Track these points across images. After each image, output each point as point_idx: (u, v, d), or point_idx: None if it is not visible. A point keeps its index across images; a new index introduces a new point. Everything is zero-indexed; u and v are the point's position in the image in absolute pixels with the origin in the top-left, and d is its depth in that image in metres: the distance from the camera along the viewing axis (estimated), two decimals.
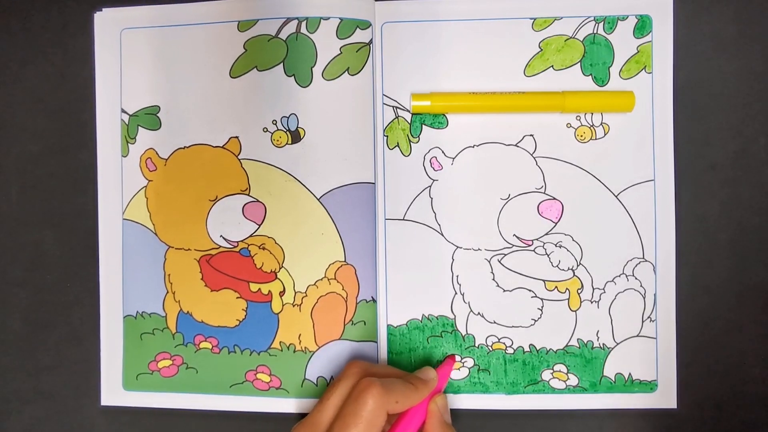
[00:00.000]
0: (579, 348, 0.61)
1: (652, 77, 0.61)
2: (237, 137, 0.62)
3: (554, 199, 0.61)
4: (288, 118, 0.61)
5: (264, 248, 0.61)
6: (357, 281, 0.61)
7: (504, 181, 0.61)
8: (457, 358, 0.61)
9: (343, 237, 0.61)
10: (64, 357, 0.64)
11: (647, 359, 0.60)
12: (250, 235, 0.61)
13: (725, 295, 0.61)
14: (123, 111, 0.63)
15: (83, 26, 0.64)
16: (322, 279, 0.61)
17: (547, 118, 0.61)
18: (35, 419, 0.64)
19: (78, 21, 0.64)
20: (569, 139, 0.61)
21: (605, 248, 0.61)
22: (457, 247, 0.61)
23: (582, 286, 0.61)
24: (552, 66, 0.61)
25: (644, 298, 0.60)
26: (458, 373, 0.61)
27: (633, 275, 0.61)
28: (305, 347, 0.61)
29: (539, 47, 0.61)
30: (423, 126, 0.61)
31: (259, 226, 0.61)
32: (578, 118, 0.61)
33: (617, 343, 0.61)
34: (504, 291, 0.61)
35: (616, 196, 0.60)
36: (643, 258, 0.60)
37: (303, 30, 0.61)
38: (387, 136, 0.61)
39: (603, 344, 0.61)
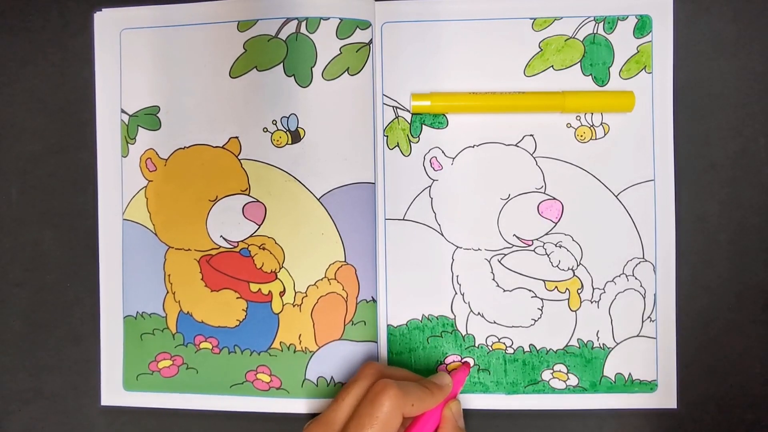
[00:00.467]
0: (579, 348, 0.61)
1: (652, 77, 0.61)
2: (237, 137, 0.62)
3: (554, 199, 0.61)
4: (288, 118, 0.61)
5: (264, 248, 0.61)
6: (357, 281, 0.61)
7: (504, 181, 0.61)
8: (458, 358, 0.61)
9: (343, 237, 0.61)
10: (64, 357, 0.64)
11: (647, 359, 0.60)
12: (250, 236, 0.61)
13: (725, 295, 0.61)
14: (123, 111, 0.63)
15: (83, 26, 0.64)
16: (322, 279, 0.61)
17: (547, 118, 0.61)
18: (35, 419, 0.64)
19: (78, 21, 0.64)
20: (569, 139, 0.61)
21: (605, 248, 0.61)
22: (457, 247, 0.61)
23: (582, 286, 0.61)
24: (552, 66, 0.61)
25: (644, 298, 0.60)
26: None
27: (633, 275, 0.61)
28: (305, 347, 0.61)
29: (539, 47, 0.61)
30: (423, 126, 0.61)
31: (259, 226, 0.61)
32: (578, 118, 0.61)
33: (617, 343, 0.61)
34: (504, 291, 0.61)
35: (616, 196, 0.60)
36: (643, 258, 0.60)
37: (303, 30, 0.61)
38: (387, 136, 0.62)
39: (603, 344, 0.61)
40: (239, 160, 0.62)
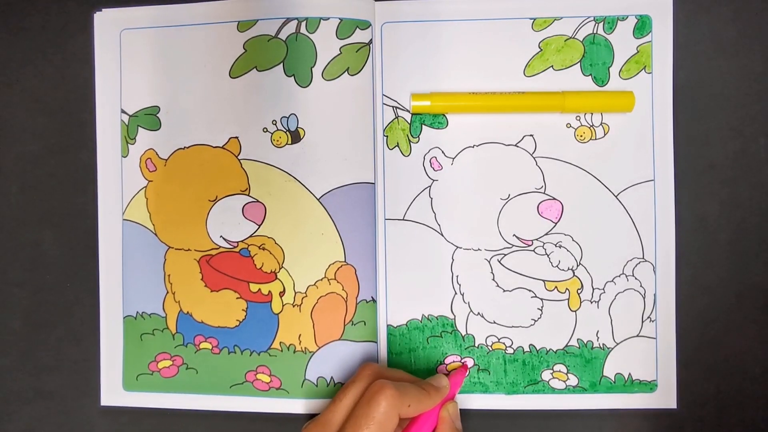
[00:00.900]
0: (579, 348, 0.61)
1: (652, 77, 0.61)
2: (237, 137, 0.62)
3: (554, 199, 0.61)
4: (288, 118, 0.61)
5: (264, 248, 0.61)
6: (357, 281, 0.61)
7: (504, 181, 0.61)
8: (457, 358, 0.61)
9: (343, 237, 0.61)
10: (64, 357, 0.64)
11: (647, 359, 0.60)
12: (250, 236, 0.61)
13: (725, 295, 0.61)
14: (123, 111, 0.63)
15: (83, 26, 0.64)
16: (322, 279, 0.61)
17: (547, 118, 0.61)
18: (35, 419, 0.64)
19: (78, 21, 0.64)
20: (569, 139, 0.61)
21: (605, 248, 0.61)
22: (457, 247, 0.61)
23: (582, 286, 0.61)
24: (552, 66, 0.61)
25: (644, 298, 0.60)
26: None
27: (633, 275, 0.61)
28: (305, 348, 0.61)
29: (539, 47, 0.61)
30: (423, 126, 0.61)
31: (259, 226, 0.61)
32: (578, 118, 0.61)
33: (617, 343, 0.61)
34: (504, 291, 0.61)
35: (616, 196, 0.60)
36: (643, 258, 0.60)
37: (303, 30, 0.61)
38: (387, 136, 0.61)
39: (603, 344, 0.61)
40: (239, 160, 0.62)
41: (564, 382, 0.61)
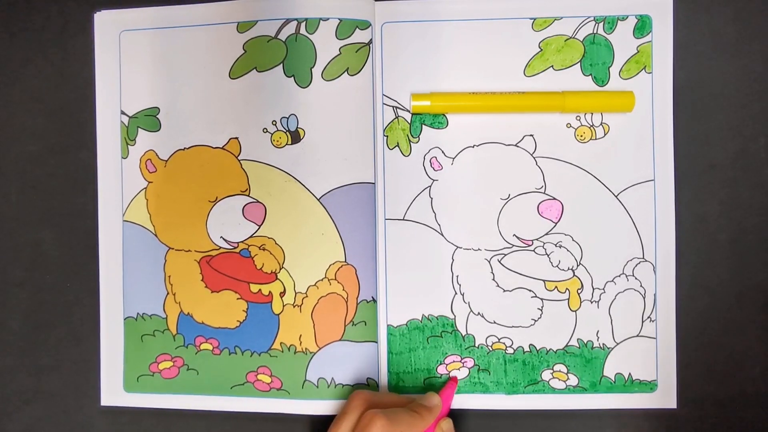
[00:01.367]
0: (579, 348, 0.61)
1: (652, 77, 0.61)
2: (237, 138, 0.62)
3: (554, 199, 0.61)
4: (288, 118, 0.61)
5: (264, 249, 0.61)
6: (357, 281, 0.61)
7: (504, 181, 0.61)
8: (457, 358, 0.61)
9: (344, 237, 0.61)
10: (64, 357, 0.64)
11: (647, 359, 0.60)
12: (251, 236, 0.61)
13: (725, 295, 0.61)
14: (122, 113, 0.63)
15: (83, 26, 0.64)
16: (322, 279, 0.61)
17: (547, 118, 0.61)
18: (35, 419, 0.64)
19: (78, 21, 0.64)
20: (569, 139, 0.61)
21: (605, 248, 0.61)
22: (457, 247, 0.61)
23: (582, 286, 0.61)
24: (552, 66, 0.61)
25: (644, 298, 0.60)
26: (458, 373, 0.61)
27: (633, 275, 0.61)
28: (306, 348, 0.61)
29: (539, 47, 0.61)
30: (423, 126, 0.61)
31: (259, 226, 0.61)
32: (578, 118, 0.61)
33: (617, 343, 0.61)
34: (504, 291, 0.61)
35: (616, 196, 0.60)
36: (643, 258, 0.60)
37: (302, 31, 0.61)
38: (387, 136, 0.61)
39: (603, 344, 0.61)
40: (239, 160, 0.62)
41: (564, 382, 0.61)
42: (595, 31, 0.61)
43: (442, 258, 0.61)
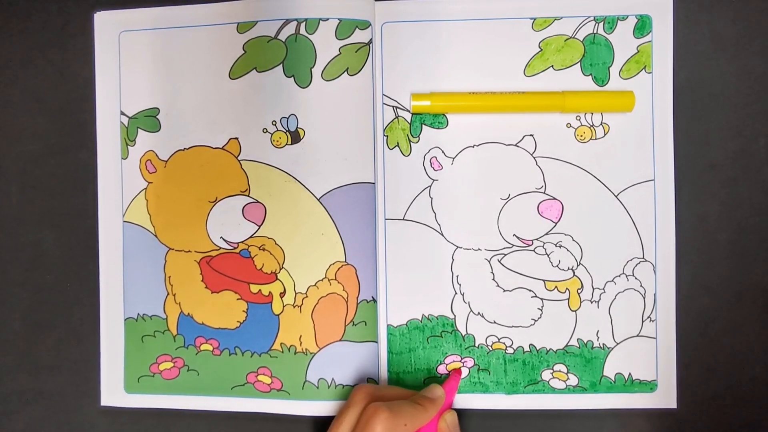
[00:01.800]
0: (579, 348, 0.61)
1: (652, 77, 0.61)
2: (237, 138, 0.62)
3: (554, 199, 0.61)
4: (288, 118, 0.61)
5: (264, 249, 0.61)
6: (357, 281, 0.61)
7: (504, 181, 0.61)
8: (458, 358, 0.61)
9: (344, 237, 0.61)
10: (64, 357, 0.64)
11: (647, 359, 0.60)
12: (250, 236, 0.61)
13: (725, 295, 0.61)
14: (122, 113, 0.63)
15: (83, 26, 0.64)
16: (322, 279, 0.61)
17: (547, 118, 0.61)
18: (35, 419, 0.64)
19: (78, 21, 0.64)
20: (569, 139, 0.61)
21: (605, 248, 0.61)
22: (457, 247, 0.61)
23: (582, 286, 0.61)
24: (552, 66, 0.61)
25: (644, 298, 0.60)
26: None
27: (633, 275, 0.61)
28: (306, 349, 0.61)
29: (539, 47, 0.61)
30: (423, 126, 0.61)
31: (259, 227, 0.61)
32: (578, 118, 0.61)
33: (617, 343, 0.61)
34: (504, 291, 0.61)
35: (616, 196, 0.60)
36: (643, 258, 0.60)
37: (302, 31, 0.61)
38: (387, 136, 0.61)
39: (603, 344, 0.61)
40: (239, 161, 0.62)
41: (564, 381, 0.61)
42: (595, 31, 0.61)
43: (442, 258, 0.61)
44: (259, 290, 0.61)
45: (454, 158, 0.61)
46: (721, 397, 0.61)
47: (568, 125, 0.61)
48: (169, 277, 0.62)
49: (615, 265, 0.61)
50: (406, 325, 0.61)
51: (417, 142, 0.61)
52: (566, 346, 0.61)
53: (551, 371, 0.61)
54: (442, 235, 0.61)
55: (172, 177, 0.62)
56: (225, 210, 0.62)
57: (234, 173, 0.62)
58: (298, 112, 0.61)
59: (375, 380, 0.61)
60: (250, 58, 0.61)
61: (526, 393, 0.61)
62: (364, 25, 0.61)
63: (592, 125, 0.61)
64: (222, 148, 0.62)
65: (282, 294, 0.61)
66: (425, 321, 0.61)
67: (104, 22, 0.63)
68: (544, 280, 0.61)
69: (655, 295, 0.60)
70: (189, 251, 0.62)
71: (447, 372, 0.61)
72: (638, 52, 0.60)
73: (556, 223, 0.61)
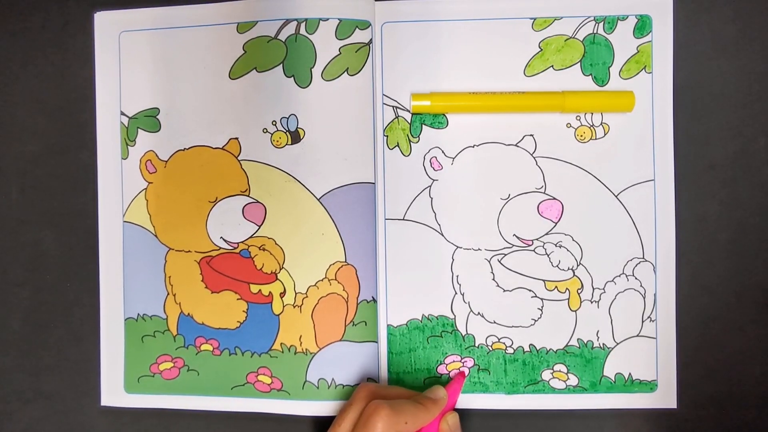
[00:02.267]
0: (579, 348, 0.61)
1: (652, 77, 0.61)
2: (237, 138, 0.62)
3: (554, 199, 0.61)
4: (288, 118, 0.61)
5: (264, 249, 0.61)
6: (358, 281, 0.61)
7: (504, 181, 0.61)
8: (458, 358, 0.61)
9: (344, 237, 0.61)
10: (64, 357, 0.64)
11: (647, 359, 0.60)
12: (251, 236, 0.61)
13: (725, 295, 0.61)
14: (122, 113, 0.63)
15: (83, 26, 0.64)
16: (322, 280, 0.61)
17: (547, 118, 0.61)
18: (35, 419, 0.65)
19: (78, 21, 0.64)
20: (569, 139, 0.61)
21: (605, 248, 0.61)
22: (457, 247, 0.61)
23: (582, 286, 0.61)
24: (552, 66, 0.61)
25: (644, 298, 0.60)
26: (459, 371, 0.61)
27: (633, 275, 0.61)
28: (306, 349, 0.61)
29: (539, 47, 0.61)
30: (423, 126, 0.61)
31: (259, 227, 0.61)
32: (578, 118, 0.61)
33: (617, 343, 0.61)
34: (504, 291, 0.61)
35: (616, 196, 0.60)
36: (643, 258, 0.60)
37: (302, 31, 0.61)
38: (387, 136, 0.61)
39: (603, 344, 0.61)
40: (239, 161, 0.62)
41: (564, 381, 0.61)
42: (595, 31, 0.61)
43: (442, 258, 0.61)
44: (259, 290, 0.61)
45: (454, 158, 0.61)
46: (721, 397, 0.61)
47: (568, 125, 0.61)
48: (169, 277, 0.62)
49: (615, 265, 0.61)
50: (406, 325, 0.61)
51: (417, 142, 0.61)
52: (566, 346, 0.61)
53: (551, 371, 0.61)
54: (442, 235, 0.61)
55: (172, 177, 0.62)
56: (225, 210, 0.62)
57: (234, 173, 0.62)
58: (298, 112, 0.61)
59: (375, 380, 0.61)
60: (250, 58, 0.61)
61: (526, 393, 0.61)
62: (364, 25, 0.61)
63: (592, 125, 0.61)
64: (222, 148, 0.62)
65: (282, 294, 0.61)
66: (425, 321, 0.61)
67: (104, 22, 0.63)
68: (544, 280, 0.61)
69: (655, 295, 0.61)
70: (189, 251, 0.62)
71: (447, 372, 0.61)
72: (638, 52, 0.60)
73: (556, 223, 0.61)
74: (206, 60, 0.62)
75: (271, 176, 0.61)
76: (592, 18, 0.61)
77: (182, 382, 0.62)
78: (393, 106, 0.61)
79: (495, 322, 0.61)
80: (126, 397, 0.63)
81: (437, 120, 0.61)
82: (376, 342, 0.61)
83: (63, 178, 0.64)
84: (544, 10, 0.61)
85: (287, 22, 0.61)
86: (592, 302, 0.61)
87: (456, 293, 0.61)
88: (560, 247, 0.61)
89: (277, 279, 0.61)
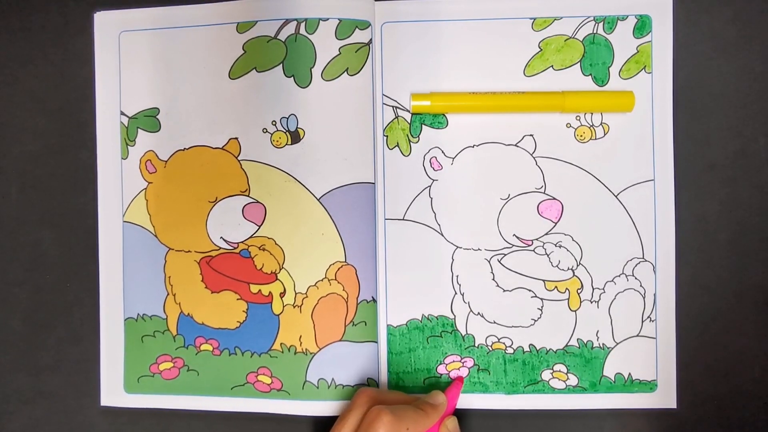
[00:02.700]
0: (579, 348, 0.61)
1: (652, 77, 0.61)
2: (237, 138, 0.62)
3: (554, 199, 0.61)
4: (287, 118, 0.61)
5: (264, 249, 0.61)
6: (357, 281, 0.61)
7: (504, 181, 0.61)
8: (457, 358, 0.61)
9: (344, 237, 0.61)
10: (64, 357, 0.64)
11: (647, 359, 0.60)
12: (250, 236, 0.61)
13: (725, 295, 0.61)
14: (122, 113, 0.63)
15: (83, 26, 0.64)
16: (322, 280, 0.61)
17: (547, 118, 0.61)
18: (35, 419, 0.65)
19: (78, 21, 0.64)
20: (569, 139, 0.61)
21: (605, 248, 0.61)
22: (457, 247, 0.61)
23: (582, 286, 0.61)
24: (552, 66, 0.61)
25: (644, 298, 0.60)
26: (458, 373, 0.61)
27: (633, 275, 0.61)
28: (306, 349, 0.61)
29: (539, 47, 0.61)
30: (423, 126, 0.61)
31: (259, 227, 0.61)
32: (578, 118, 0.61)
33: (617, 343, 0.61)
34: (504, 291, 0.61)
35: (616, 196, 0.60)
36: (643, 258, 0.60)
37: (302, 31, 0.61)
38: (387, 136, 0.61)
39: (603, 344, 0.61)
40: (239, 161, 0.62)
41: (564, 381, 0.61)
42: (594, 31, 0.61)
43: (442, 258, 0.61)
44: (259, 290, 0.61)
45: (454, 158, 0.61)
46: (721, 397, 0.61)
47: (568, 125, 0.61)
48: (169, 277, 0.62)
49: (615, 265, 0.61)
50: (406, 325, 0.61)
51: (417, 142, 0.61)
52: (566, 346, 0.61)
53: (551, 371, 0.61)
54: (442, 235, 0.61)
55: (172, 177, 0.62)
56: (225, 210, 0.62)
57: (234, 173, 0.62)
58: (298, 112, 0.61)
59: (375, 380, 0.61)
60: (250, 58, 0.61)
61: (526, 393, 0.61)
62: (364, 25, 0.61)
63: (592, 125, 0.61)
64: (222, 148, 0.62)
65: (282, 294, 0.61)
66: (425, 321, 0.61)
67: (104, 22, 0.63)
68: (544, 280, 0.61)
69: (655, 295, 0.60)
70: (189, 251, 0.62)
71: (447, 372, 0.61)
72: (638, 52, 0.60)
73: (556, 223, 0.61)
74: (206, 60, 0.62)
75: (271, 176, 0.61)
76: (592, 18, 0.61)
77: (182, 382, 0.62)
78: (393, 106, 0.61)
79: (495, 322, 0.61)
80: (126, 397, 0.63)
81: (437, 120, 0.61)
82: (376, 342, 0.61)
83: (63, 178, 0.64)
84: (544, 10, 0.61)
85: (287, 21, 0.61)
86: (591, 302, 0.61)
87: (456, 293, 0.61)
88: (560, 247, 0.61)
89: (276, 279, 0.61)
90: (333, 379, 0.61)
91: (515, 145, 0.61)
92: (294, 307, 0.61)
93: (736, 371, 0.61)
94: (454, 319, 0.61)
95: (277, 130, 0.61)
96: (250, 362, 0.62)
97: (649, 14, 0.60)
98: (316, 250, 0.61)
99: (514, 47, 0.61)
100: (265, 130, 0.61)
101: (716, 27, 0.61)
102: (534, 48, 0.61)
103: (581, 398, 0.61)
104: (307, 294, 0.61)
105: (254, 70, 0.61)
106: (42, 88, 0.64)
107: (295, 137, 0.61)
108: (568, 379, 0.61)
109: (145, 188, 0.63)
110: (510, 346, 0.61)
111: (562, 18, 0.61)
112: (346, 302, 0.61)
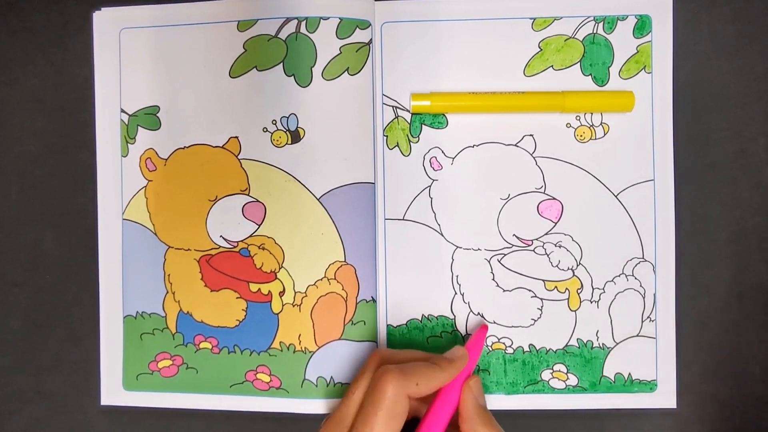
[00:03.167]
0: (579, 348, 0.61)
1: (652, 77, 0.61)
2: (237, 137, 0.62)
3: (554, 199, 0.61)
4: (288, 118, 0.61)
5: (264, 248, 0.61)
6: (357, 281, 0.61)
7: (504, 181, 0.61)
8: None
9: (343, 237, 0.61)
10: (64, 357, 0.64)
11: (647, 359, 0.60)
12: (250, 235, 0.61)
13: (725, 295, 0.61)
14: (122, 111, 0.63)
15: (83, 26, 0.64)
16: (322, 279, 0.61)
17: (546, 118, 0.61)
18: (35, 419, 0.64)
19: (78, 21, 0.64)
20: (569, 139, 0.61)
21: (605, 248, 0.61)
22: (457, 247, 0.61)
23: (582, 286, 0.61)
24: (552, 66, 0.61)
25: (644, 298, 0.60)
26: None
27: (633, 275, 0.61)
28: (305, 347, 0.61)
29: (539, 47, 0.61)
30: (423, 126, 0.61)
31: (259, 226, 0.61)
32: (578, 118, 0.61)
33: (617, 343, 0.61)
34: (504, 291, 0.61)
35: (615, 196, 0.60)
36: (643, 258, 0.60)
37: (303, 30, 0.61)
38: (387, 136, 0.61)
39: (603, 344, 0.61)
40: (239, 160, 0.62)
41: (564, 381, 0.61)
42: (594, 31, 0.61)
43: (442, 258, 0.61)
44: (259, 289, 0.61)
45: (453, 158, 0.61)
46: (721, 397, 0.61)
47: (568, 125, 0.61)
48: (169, 275, 0.62)
49: (615, 265, 0.61)
50: (406, 325, 0.61)
51: (417, 142, 0.61)
52: (566, 346, 0.61)
53: (551, 371, 0.61)
54: (442, 235, 0.61)
55: (172, 175, 0.62)
56: (225, 209, 0.62)
57: (234, 172, 0.62)
58: (299, 111, 0.61)
59: None
60: (251, 57, 0.61)
61: (525, 393, 0.61)
62: (365, 24, 0.61)
63: (592, 125, 0.61)
64: (222, 147, 0.62)
65: (281, 293, 0.61)
66: (425, 321, 0.61)
67: (104, 20, 0.63)
68: (543, 280, 0.61)
69: (654, 295, 0.60)
70: (189, 249, 0.62)
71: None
72: (638, 52, 0.61)
73: (556, 223, 0.61)
74: (206, 58, 0.62)
75: (271, 175, 0.61)
76: (592, 18, 0.61)
77: (181, 380, 0.62)
78: (393, 106, 0.62)
79: (495, 322, 0.61)
80: (125, 395, 0.63)
81: (437, 120, 0.61)
82: (375, 342, 0.61)
83: (63, 178, 0.64)
84: (544, 10, 0.61)
85: (288, 20, 0.61)
86: (591, 302, 0.61)
87: (456, 293, 0.61)
88: (560, 247, 0.61)
89: (276, 278, 0.61)
90: (332, 377, 0.61)
91: (515, 145, 0.61)
92: (293, 306, 0.61)
93: (736, 371, 0.61)
94: (454, 319, 0.61)
95: (278, 130, 0.61)
96: (249, 360, 0.61)
97: (649, 14, 0.60)
98: (316, 250, 0.61)
99: (514, 47, 0.61)
100: (265, 130, 0.61)
101: (716, 27, 0.61)
102: (534, 48, 0.61)
103: (581, 398, 0.61)
104: (307, 293, 0.61)
105: (255, 68, 0.61)
106: (42, 88, 0.64)
107: (296, 137, 0.61)
108: (568, 379, 0.61)
109: (145, 186, 0.63)
110: (510, 346, 0.61)
111: (562, 18, 0.61)
112: (345, 302, 0.61)
